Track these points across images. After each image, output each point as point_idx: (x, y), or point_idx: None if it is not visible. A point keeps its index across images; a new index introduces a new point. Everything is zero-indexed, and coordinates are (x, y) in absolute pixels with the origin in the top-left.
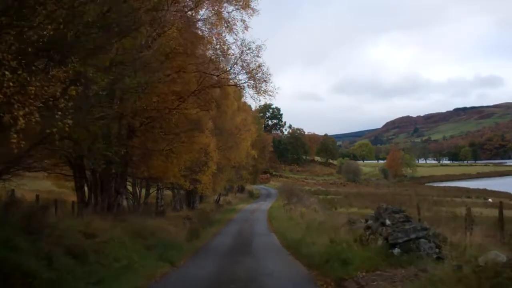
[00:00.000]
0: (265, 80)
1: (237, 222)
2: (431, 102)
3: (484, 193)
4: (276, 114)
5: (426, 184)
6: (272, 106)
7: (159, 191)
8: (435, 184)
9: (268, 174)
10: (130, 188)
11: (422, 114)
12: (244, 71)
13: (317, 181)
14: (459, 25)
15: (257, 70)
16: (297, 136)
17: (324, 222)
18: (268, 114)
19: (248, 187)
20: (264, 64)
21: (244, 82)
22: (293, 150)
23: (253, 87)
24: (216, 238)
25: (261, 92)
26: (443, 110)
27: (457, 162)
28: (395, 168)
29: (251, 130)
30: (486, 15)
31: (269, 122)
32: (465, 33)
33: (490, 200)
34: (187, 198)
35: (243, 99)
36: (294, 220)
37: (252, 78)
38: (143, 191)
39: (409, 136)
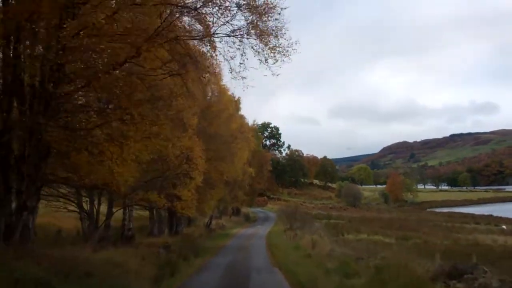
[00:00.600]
0: (275, 29)
1: (230, 250)
2: (427, 128)
3: (491, 219)
4: (275, 134)
5: (428, 210)
6: (270, 125)
7: (127, 210)
8: (438, 210)
9: (265, 197)
10: (85, 205)
11: (418, 140)
12: (243, 9)
13: (315, 205)
14: (455, 52)
15: (264, 8)
16: (295, 158)
17: (379, 263)
18: (266, 134)
19: (244, 209)
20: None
21: (245, 33)
22: (292, 173)
23: (257, 35)
24: (199, 276)
25: (271, 46)
26: (440, 136)
27: (456, 187)
28: (396, 193)
29: (249, 139)
30: (481, 43)
31: (267, 142)
32: (460, 59)
33: (504, 227)
34: (170, 221)
35: (240, 112)
36: (302, 250)
37: (256, 21)
38: (104, 208)
39: (406, 161)
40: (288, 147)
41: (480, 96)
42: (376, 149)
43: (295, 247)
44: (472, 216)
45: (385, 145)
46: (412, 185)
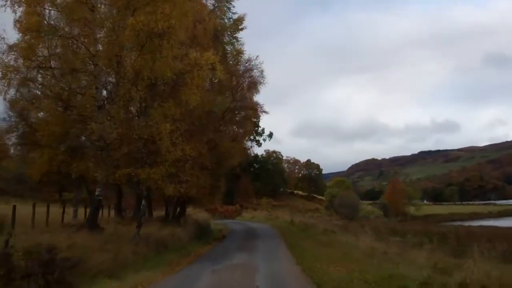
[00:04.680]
0: None
1: None
2: (391, 147)
3: None
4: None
5: (442, 223)
6: None
7: None
8: (455, 224)
9: (237, 205)
10: None
11: (387, 157)
12: None
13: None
14: (414, 71)
15: None
16: (273, 161)
17: None
18: None
19: (202, 214)
20: None
21: None
22: (268, 178)
23: None
24: None
25: None
26: (408, 154)
27: (445, 202)
28: (397, 204)
29: None
30: (439, 62)
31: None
32: (420, 78)
33: None
34: None
35: None
36: None
37: None
38: None
39: (375, 178)
40: (270, 135)
41: (440, 115)
42: (344, 167)
43: None
44: None
45: (353, 163)
46: (416, 195)
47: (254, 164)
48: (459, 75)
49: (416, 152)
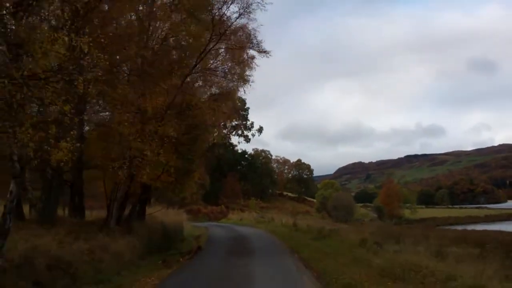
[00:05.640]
0: None
1: None
2: (377, 150)
3: None
4: (240, 108)
5: (441, 227)
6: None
7: None
8: (458, 228)
9: (222, 206)
10: None
11: (374, 161)
12: None
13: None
14: (400, 76)
15: None
16: (262, 160)
17: None
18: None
19: (178, 215)
20: None
21: None
22: (257, 180)
23: None
24: None
25: None
26: (395, 157)
27: (437, 206)
28: (391, 206)
29: None
30: (424, 67)
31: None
32: (405, 83)
33: None
34: None
35: None
36: None
37: None
38: None
39: (362, 182)
40: (260, 130)
41: (426, 119)
42: (330, 171)
43: None
44: None
45: (340, 166)
46: (412, 198)
47: (242, 162)
48: (444, 80)
49: (402, 156)
